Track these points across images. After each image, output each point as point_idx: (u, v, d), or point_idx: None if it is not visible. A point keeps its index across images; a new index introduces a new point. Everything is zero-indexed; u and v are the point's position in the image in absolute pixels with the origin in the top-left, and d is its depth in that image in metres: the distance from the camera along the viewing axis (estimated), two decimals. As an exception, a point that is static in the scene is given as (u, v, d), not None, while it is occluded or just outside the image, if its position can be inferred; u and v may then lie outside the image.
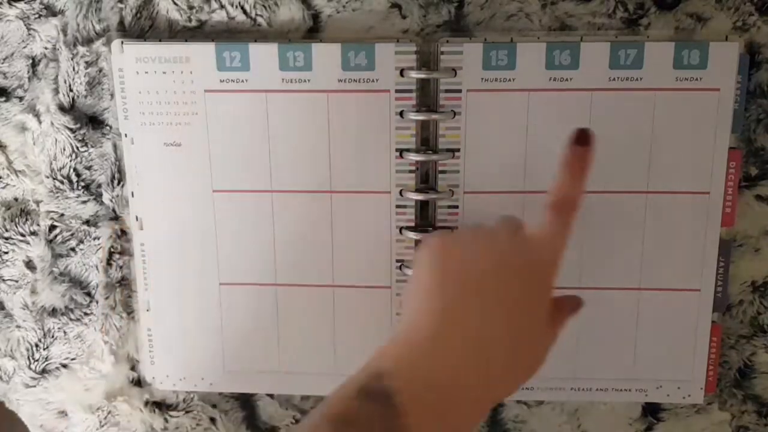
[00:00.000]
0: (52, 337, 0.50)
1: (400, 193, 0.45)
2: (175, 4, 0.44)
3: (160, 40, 0.45)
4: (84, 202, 0.48)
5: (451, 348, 0.33)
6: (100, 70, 0.46)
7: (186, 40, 0.44)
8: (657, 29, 0.42)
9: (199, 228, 0.46)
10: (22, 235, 0.49)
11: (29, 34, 0.46)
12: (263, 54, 0.43)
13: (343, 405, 0.31)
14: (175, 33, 0.45)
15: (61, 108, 0.46)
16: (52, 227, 0.49)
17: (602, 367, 0.46)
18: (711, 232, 0.44)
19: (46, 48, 0.46)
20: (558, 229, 0.36)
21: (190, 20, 0.44)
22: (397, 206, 0.45)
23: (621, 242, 0.45)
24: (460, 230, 0.39)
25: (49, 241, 0.49)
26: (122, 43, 0.44)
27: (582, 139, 0.36)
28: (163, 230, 0.47)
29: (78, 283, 0.49)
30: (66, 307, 0.50)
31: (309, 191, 0.45)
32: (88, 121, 0.47)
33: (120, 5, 0.45)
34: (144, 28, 0.45)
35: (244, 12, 0.44)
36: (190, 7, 0.44)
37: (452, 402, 0.32)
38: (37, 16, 0.46)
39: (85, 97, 0.46)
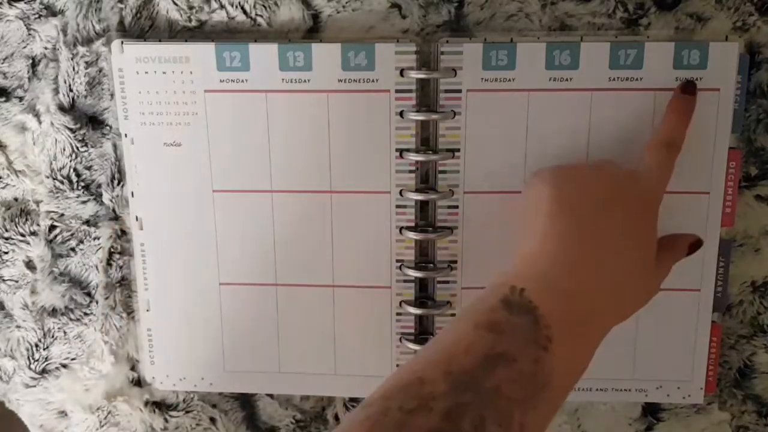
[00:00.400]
0: (52, 337, 0.50)
1: (400, 193, 0.45)
2: (175, 4, 0.44)
3: (160, 40, 0.45)
4: (84, 202, 0.48)
5: (583, 267, 0.36)
6: (100, 70, 0.46)
7: (186, 40, 0.44)
8: (657, 29, 0.42)
9: (199, 228, 0.46)
10: (22, 235, 0.49)
11: (29, 34, 0.46)
12: (263, 54, 0.43)
13: (491, 315, 0.33)
14: (175, 33, 0.45)
15: (61, 108, 0.46)
16: (52, 227, 0.49)
17: (602, 367, 0.46)
18: (711, 232, 0.44)
19: (46, 48, 0.46)
20: (663, 165, 0.40)
21: (190, 20, 0.44)
22: (397, 206, 0.45)
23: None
24: (571, 164, 0.42)
25: (49, 241, 0.49)
26: (122, 43, 0.44)
27: (688, 88, 0.41)
28: (163, 230, 0.47)
29: (78, 283, 0.49)
30: (66, 307, 0.50)
31: (309, 191, 0.45)
32: (88, 121, 0.47)
33: (120, 5, 0.45)
34: (144, 28, 0.45)
35: (244, 12, 0.44)
36: (190, 7, 0.44)
37: (586, 318, 0.35)
38: (37, 16, 0.46)
39: (85, 97, 0.46)
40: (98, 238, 0.48)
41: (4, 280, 0.50)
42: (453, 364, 0.31)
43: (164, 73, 0.44)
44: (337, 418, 0.50)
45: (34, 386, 0.51)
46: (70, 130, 0.47)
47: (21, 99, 0.47)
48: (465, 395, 0.30)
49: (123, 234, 0.48)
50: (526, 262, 0.36)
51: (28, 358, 0.51)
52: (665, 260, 0.40)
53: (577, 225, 0.36)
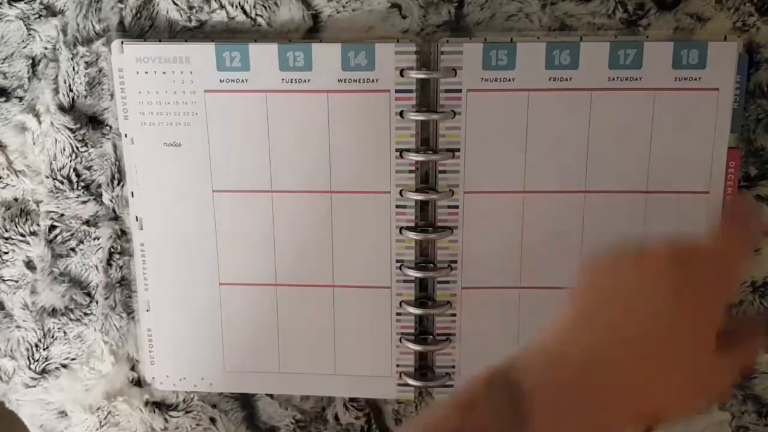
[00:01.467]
0: (52, 337, 0.50)
1: (400, 193, 0.45)
2: (175, 4, 0.44)
3: (160, 40, 0.45)
4: (84, 202, 0.48)
5: (583, 356, 0.31)
6: (100, 70, 0.46)
7: (186, 40, 0.44)
8: (657, 29, 0.42)
9: (199, 228, 0.46)
10: (22, 235, 0.49)
11: (29, 34, 0.46)
12: (263, 54, 0.43)
13: (470, 393, 0.32)
14: (175, 33, 0.45)
15: (61, 108, 0.46)
16: (52, 227, 0.49)
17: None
18: (711, 232, 0.44)
19: (46, 48, 0.46)
20: (733, 241, 0.34)
21: (190, 20, 0.44)
22: (397, 206, 0.45)
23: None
24: (617, 251, 0.35)
25: (49, 241, 0.49)
26: (122, 43, 0.44)
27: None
28: (163, 230, 0.47)
29: (78, 283, 0.49)
30: (66, 307, 0.50)
31: (309, 191, 0.45)
32: (88, 121, 0.47)
33: (120, 5, 0.45)
34: (144, 28, 0.45)
35: (244, 12, 0.44)
36: (190, 7, 0.44)
37: (576, 404, 0.31)
38: (37, 16, 0.46)
39: (85, 97, 0.46)
40: (98, 238, 0.48)
41: (4, 280, 0.50)
42: None
43: (164, 73, 0.44)
44: (337, 418, 0.50)
45: (34, 386, 0.51)
46: (70, 130, 0.47)
47: (21, 99, 0.47)
48: None
49: (123, 234, 0.48)
50: (530, 348, 0.33)
51: (28, 358, 0.51)
52: (732, 356, 0.33)
53: (591, 318, 0.33)
